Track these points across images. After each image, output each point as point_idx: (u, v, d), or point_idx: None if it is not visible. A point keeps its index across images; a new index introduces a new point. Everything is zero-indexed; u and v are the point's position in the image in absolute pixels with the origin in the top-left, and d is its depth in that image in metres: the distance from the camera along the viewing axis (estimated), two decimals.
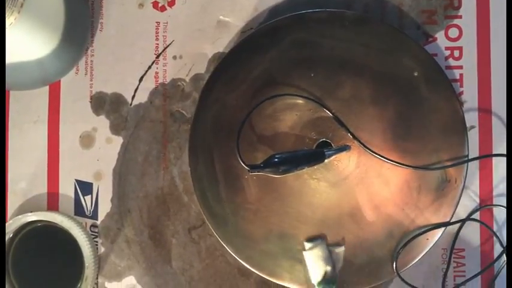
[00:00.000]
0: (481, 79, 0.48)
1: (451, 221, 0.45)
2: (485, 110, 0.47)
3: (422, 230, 0.44)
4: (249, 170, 0.41)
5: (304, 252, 0.44)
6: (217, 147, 0.45)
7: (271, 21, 0.45)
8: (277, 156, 0.41)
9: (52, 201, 0.49)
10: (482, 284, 0.47)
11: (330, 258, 0.44)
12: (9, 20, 0.37)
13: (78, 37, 0.47)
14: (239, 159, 0.42)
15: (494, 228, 0.47)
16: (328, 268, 0.44)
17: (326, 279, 0.43)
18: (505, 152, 0.46)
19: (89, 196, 0.49)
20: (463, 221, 0.46)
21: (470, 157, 0.45)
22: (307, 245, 0.44)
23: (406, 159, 0.44)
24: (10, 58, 0.41)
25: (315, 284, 0.44)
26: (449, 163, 0.44)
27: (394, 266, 0.44)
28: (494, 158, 0.47)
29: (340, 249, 0.44)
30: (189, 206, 0.48)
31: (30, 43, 0.41)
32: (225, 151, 0.45)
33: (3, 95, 0.41)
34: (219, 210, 0.45)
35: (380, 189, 0.44)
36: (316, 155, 0.43)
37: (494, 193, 0.47)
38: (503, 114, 0.47)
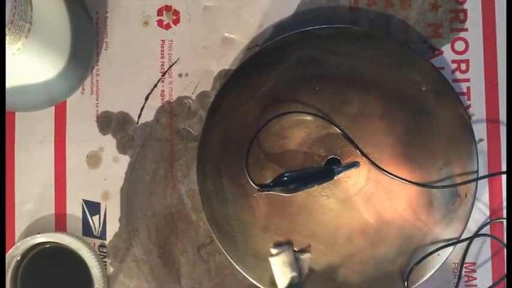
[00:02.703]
0: (489, 91, 0.47)
1: (461, 238, 0.44)
2: (493, 122, 0.47)
3: (433, 248, 0.44)
4: (258, 190, 0.41)
5: (270, 258, 0.44)
6: (225, 164, 0.45)
7: (277, 39, 0.45)
8: (286, 174, 0.41)
9: (60, 222, 0.49)
10: None
11: (296, 265, 0.43)
12: (17, 46, 0.37)
13: (83, 57, 0.47)
14: (249, 179, 0.42)
15: (505, 241, 0.47)
16: (294, 274, 0.43)
17: (291, 286, 0.43)
18: None
19: (97, 216, 0.49)
20: (471, 238, 0.46)
21: (480, 170, 0.45)
22: (273, 250, 0.44)
23: (416, 174, 0.44)
24: (17, 82, 0.41)
25: None
26: (459, 177, 0.44)
27: (406, 284, 0.43)
28: None
29: (306, 256, 0.44)
30: (198, 224, 0.48)
31: (37, 67, 0.41)
32: (233, 168, 0.45)
33: (3, 117, 0.41)
34: (227, 228, 0.45)
35: (390, 205, 0.44)
36: (325, 173, 0.42)
37: (504, 205, 0.47)
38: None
